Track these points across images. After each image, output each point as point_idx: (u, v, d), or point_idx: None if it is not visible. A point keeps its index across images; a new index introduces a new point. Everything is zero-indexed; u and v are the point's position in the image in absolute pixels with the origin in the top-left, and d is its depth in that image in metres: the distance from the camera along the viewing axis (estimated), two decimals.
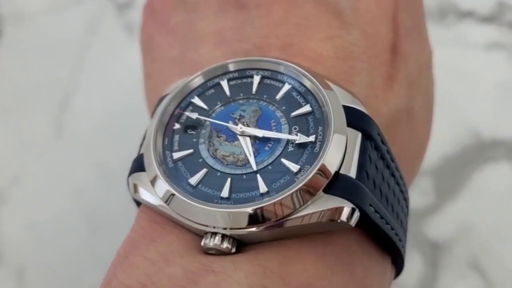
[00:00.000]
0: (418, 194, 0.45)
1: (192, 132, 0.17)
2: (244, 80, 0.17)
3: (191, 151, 0.16)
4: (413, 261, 0.43)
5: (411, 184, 0.21)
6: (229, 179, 0.15)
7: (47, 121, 0.51)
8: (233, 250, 0.15)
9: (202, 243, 0.15)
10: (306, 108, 0.16)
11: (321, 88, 0.16)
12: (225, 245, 0.15)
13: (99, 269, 0.44)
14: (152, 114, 0.18)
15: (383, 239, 0.17)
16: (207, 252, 0.15)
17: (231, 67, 0.17)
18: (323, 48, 0.18)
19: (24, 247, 0.46)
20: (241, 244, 0.15)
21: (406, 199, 0.19)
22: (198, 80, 0.17)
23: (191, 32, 0.20)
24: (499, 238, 0.43)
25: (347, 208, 0.14)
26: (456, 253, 0.43)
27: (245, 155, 0.16)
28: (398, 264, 0.18)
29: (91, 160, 0.50)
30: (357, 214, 0.15)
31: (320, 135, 0.16)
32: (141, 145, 0.18)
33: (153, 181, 0.16)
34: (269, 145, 0.16)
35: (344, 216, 0.14)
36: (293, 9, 0.18)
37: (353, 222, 0.15)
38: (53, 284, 0.45)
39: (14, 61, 0.55)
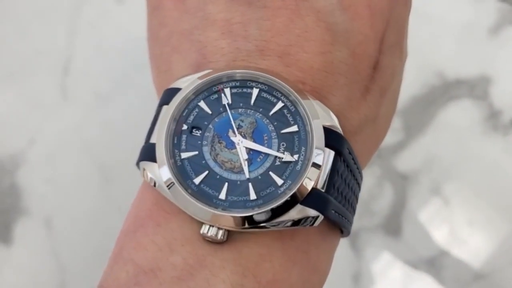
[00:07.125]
0: (389, 132, 0.50)
1: (197, 132, 0.20)
2: (244, 90, 0.20)
3: (196, 152, 0.19)
4: (384, 192, 0.49)
5: (366, 165, 0.24)
6: (226, 184, 0.19)
7: (52, 85, 0.55)
8: (225, 239, 0.19)
9: (201, 232, 0.18)
10: (294, 128, 0.19)
11: (307, 111, 0.19)
12: (220, 236, 0.18)
13: (114, 212, 0.50)
14: (161, 102, 0.20)
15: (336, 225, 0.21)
16: (204, 238, 0.19)
17: (235, 76, 0.20)
18: (315, 62, 0.20)
19: (48, 199, 0.53)
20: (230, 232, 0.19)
21: (359, 186, 0.23)
22: (205, 84, 0.20)
23: (202, 11, 0.21)
24: (459, 167, 0.49)
25: (315, 216, 0.18)
26: (422, 182, 0.49)
27: (241, 163, 0.19)
28: (345, 235, 0.23)
29: (97, 118, 0.54)
30: (321, 218, 0.19)
31: (302, 155, 0.19)
32: (149, 133, 0.20)
33: (165, 180, 0.19)
34: (261, 157, 0.19)
35: (312, 223, 0.19)
36: (296, 19, 0.20)
37: (317, 224, 0.19)
38: (78, 228, 0.52)
39: (9, 28, 0.57)
